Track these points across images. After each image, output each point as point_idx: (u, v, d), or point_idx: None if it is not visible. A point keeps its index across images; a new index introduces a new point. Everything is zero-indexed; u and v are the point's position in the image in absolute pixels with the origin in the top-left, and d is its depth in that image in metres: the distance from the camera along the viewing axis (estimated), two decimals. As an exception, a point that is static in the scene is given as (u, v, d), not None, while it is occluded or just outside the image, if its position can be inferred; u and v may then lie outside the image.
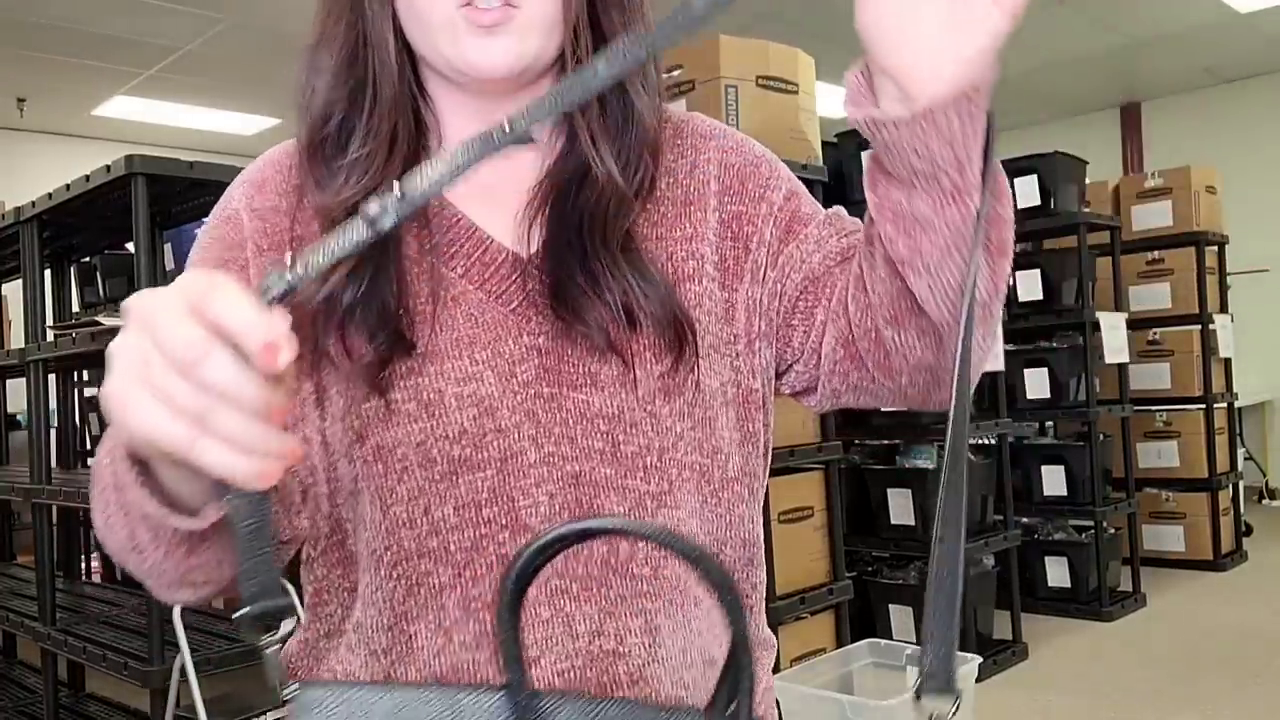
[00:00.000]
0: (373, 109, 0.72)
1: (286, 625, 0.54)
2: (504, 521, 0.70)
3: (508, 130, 0.51)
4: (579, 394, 0.71)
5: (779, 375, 0.80)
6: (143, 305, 0.48)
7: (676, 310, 0.72)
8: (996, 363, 4.08)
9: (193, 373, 0.46)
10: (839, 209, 0.81)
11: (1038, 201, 4.93)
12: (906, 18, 0.58)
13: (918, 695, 0.51)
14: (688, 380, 0.73)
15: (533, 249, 0.73)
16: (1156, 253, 5.64)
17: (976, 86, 0.60)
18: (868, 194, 0.67)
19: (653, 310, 0.71)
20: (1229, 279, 5.98)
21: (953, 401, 0.57)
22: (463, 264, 0.73)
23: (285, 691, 0.54)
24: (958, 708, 0.52)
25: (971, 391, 0.67)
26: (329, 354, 0.70)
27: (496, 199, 0.74)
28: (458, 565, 0.70)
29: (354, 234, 0.50)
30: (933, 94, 0.60)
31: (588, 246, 0.71)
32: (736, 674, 0.53)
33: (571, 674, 0.69)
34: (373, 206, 0.50)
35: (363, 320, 0.69)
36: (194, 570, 0.65)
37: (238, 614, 0.53)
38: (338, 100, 0.73)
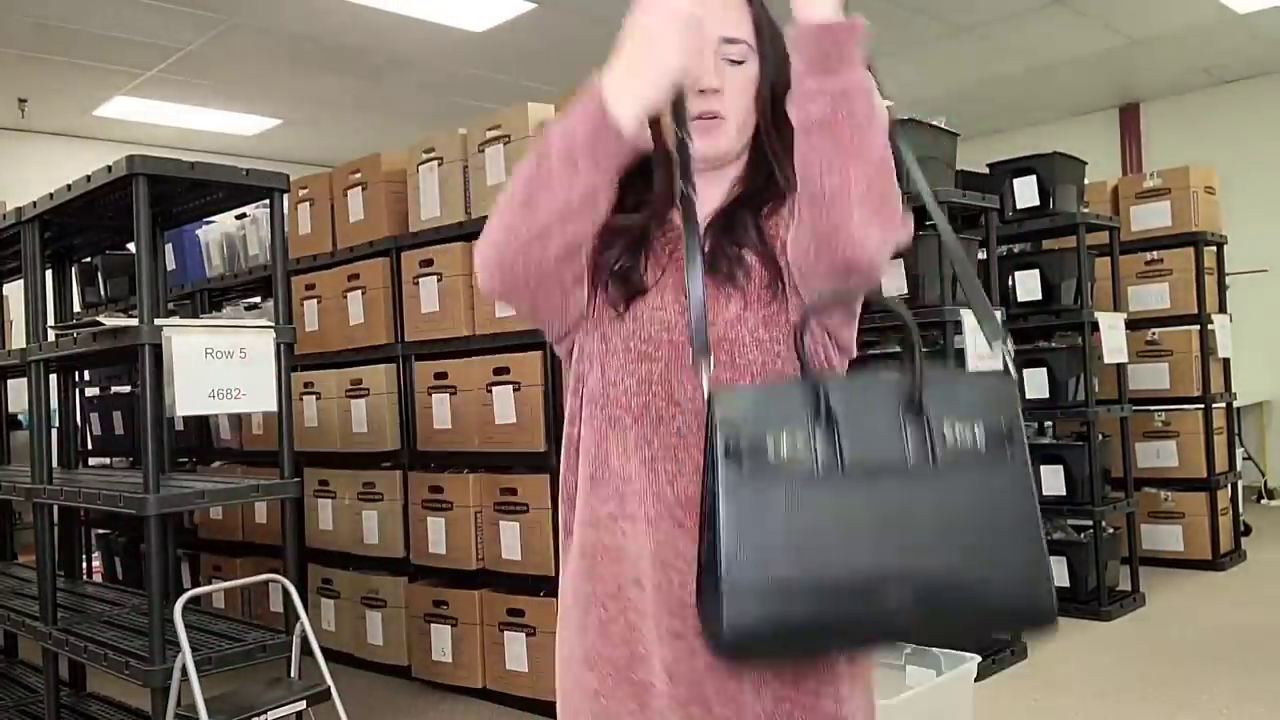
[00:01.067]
0: (649, 177, 1.22)
1: None
2: (664, 395, 1.17)
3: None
4: (714, 329, 1.14)
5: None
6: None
7: (777, 266, 1.17)
8: (995, 363, 4.07)
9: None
10: None
11: (1037, 202, 4.94)
12: None
13: (991, 344, 1.17)
14: (781, 318, 1.17)
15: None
16: (1155, 253, 5.65)
17: (828, 22, 1.03)
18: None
19: (766, 265, 1.18)
20: (1227, 279, 5.98)
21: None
22: (678, 257, 1.19)
23: (709, 389, 1.05)
24: (1013, 347, 1.10)
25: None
26: (603, 286, 1.21)
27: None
28: (635, 414, 1.18)
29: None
30: (804, 19, 1.04)
31: (736, 230, 1.19)
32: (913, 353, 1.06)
33: (659, 517, 1.15)
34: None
35: (620, 272, 1.21)
36: (599, 195, 1.10)
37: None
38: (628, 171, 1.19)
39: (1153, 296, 5.65)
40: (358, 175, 4.35)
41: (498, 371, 3.71)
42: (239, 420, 4.92)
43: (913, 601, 1.00)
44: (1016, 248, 5.33)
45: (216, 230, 5.07)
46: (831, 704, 1.14)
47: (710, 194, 1.22)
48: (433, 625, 3.98)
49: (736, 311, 1.16)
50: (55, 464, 3.41)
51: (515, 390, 3.64)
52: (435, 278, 3.96)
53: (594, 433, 1.20)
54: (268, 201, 2.84)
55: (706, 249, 1.17)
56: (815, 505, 1.00)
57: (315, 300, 4.52)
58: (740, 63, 1.20)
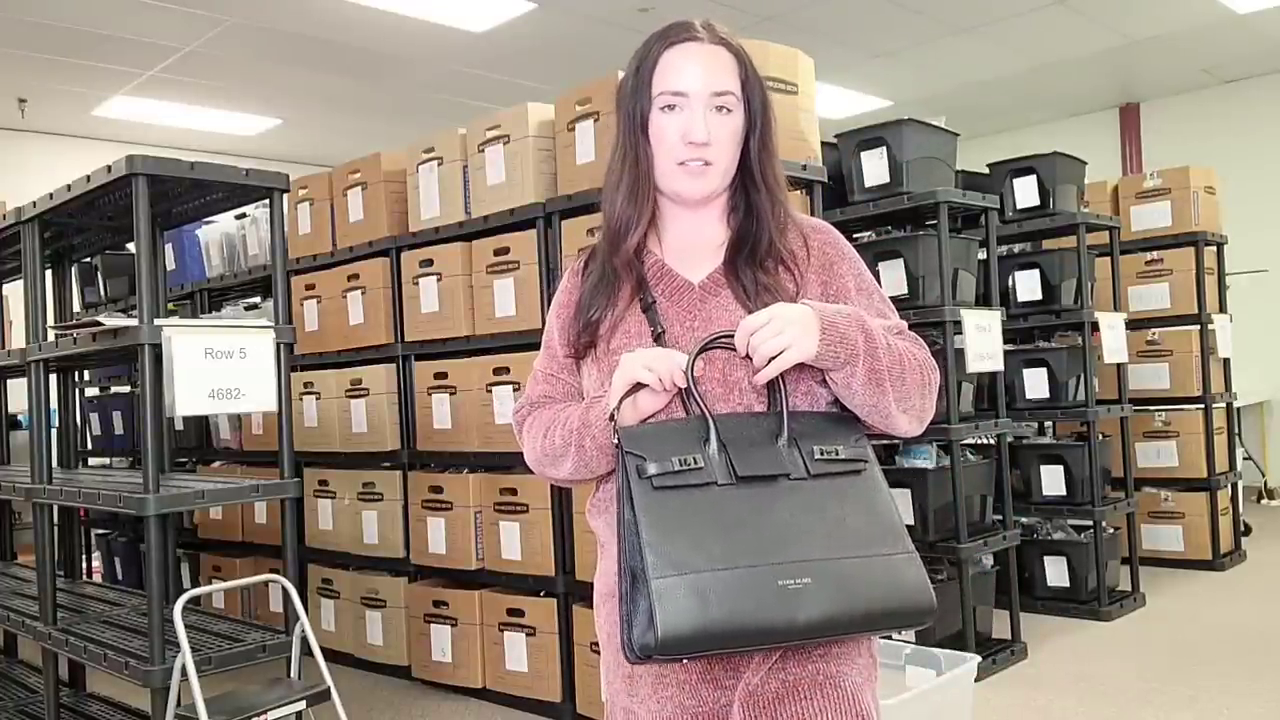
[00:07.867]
0: (642, 210, 1.39)
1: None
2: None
3: None
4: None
5: None
6: (636, 358, 1.27)
7: (766, 295, 1.33)
8: (995, 363, 4.09)
9: (666, 371, 1.24)
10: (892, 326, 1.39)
11: (1037, 201, 4.93)
12: None
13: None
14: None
15: (699, 279, 1.39)
16: (1155, 253, 5.65)
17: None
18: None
19: (751, 293, 1.35)
20: (1228, 279, 5.98)
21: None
22: (663, 286, 1.40)
23: (615, 436, 1.25)
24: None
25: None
26: (594, 346, 1.40)
27: (687, 256, 1.41)
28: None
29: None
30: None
31: (738, 272, 1.37)
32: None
33: None
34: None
35: (602, 329, 1.41)
36: (598, 466, 1.36)
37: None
38: (624, 205, 1.40)
39: (1153, 296, 5.66)
40: (357, 175, 4.35)
41: (498, 371, 3.71)
42: (239, 420, 4.92)
43: (814, 592, 1.14)
44: (1016, 248, 5.33)
45: (216, 230, 5.07)
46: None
47: (700, 224, 1.43)
48: (433, 625, 3.98)
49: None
50: (55, 464, 3.41)
51: (515, 390, 3.64)
52: (435, 278, 3.95)
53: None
54: (267, 201, 2.84)
55: (701, 289, 1.38)
56: (720, 511, 1.18)
57: (315, 300, 4.52)
58: (729, 112, 1.37)
